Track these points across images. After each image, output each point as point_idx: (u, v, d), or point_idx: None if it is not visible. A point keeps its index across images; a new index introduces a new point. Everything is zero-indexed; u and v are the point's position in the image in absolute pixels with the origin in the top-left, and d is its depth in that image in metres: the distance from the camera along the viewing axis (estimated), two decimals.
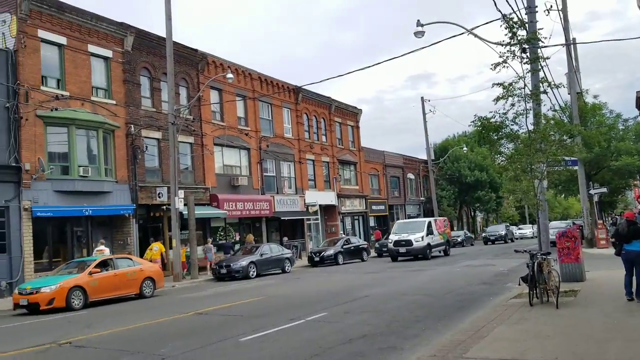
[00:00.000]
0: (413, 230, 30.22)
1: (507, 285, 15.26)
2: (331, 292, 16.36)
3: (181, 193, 23.97)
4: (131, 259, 18.74)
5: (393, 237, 30.68)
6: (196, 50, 29.28)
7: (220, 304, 14.83)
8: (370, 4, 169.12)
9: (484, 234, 53.16)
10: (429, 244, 29.94)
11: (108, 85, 24.20)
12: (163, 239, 25.96)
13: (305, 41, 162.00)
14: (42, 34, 21.36)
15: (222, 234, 30.45)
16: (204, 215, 27.07)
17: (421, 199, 58.62)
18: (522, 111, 12.79)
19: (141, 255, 23.63)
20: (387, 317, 11.12)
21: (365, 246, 33.78)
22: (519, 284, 11.92)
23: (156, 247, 23.46)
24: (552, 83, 13.78)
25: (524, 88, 12.78)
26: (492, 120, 12.86)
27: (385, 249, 38.41)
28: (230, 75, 25.55)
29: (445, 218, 37.68)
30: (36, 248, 20.43)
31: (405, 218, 55.48)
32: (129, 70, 25.00)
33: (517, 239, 54.75)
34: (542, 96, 13.48)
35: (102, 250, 19.22)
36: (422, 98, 51.72)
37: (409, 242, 29.51)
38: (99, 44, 23.75)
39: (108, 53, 24.15)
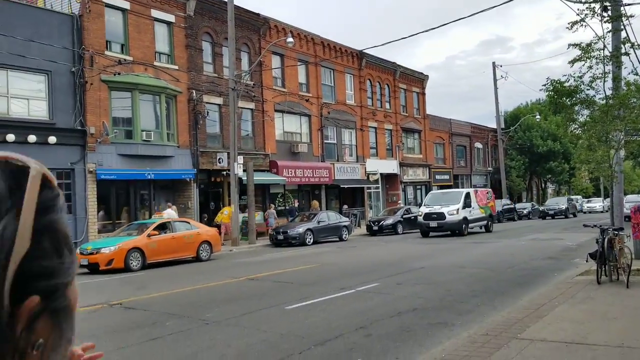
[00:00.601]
0: (448, 202, 26.37)
1: (575, 261, 14.32)
2: (386, 262, 15.96)
3: (240, 159, 24.04)
4: (189, 223, 19.01)
5: (424, 210, 26.96)
6: (258, 15, 28.97)
7: (273, 270, 14.76)
8: None
9: (541, 208, 47.12)
10: (465, 218, 26.20)
11: (171, 50, 24.38)
12: (223, 204, 26.29)
13: (372, 6, 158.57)
14: None
15: (281, 200, 30.53)
16: (263, 181, 27.14)
17: (489, 169, 56.66)
18: (599, 74, 11.71)
19: (207, 220, 24.10)
20: (441, 291, 10.62)
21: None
22: (587, 261, 11.07)
23: (226, 211, 23.85)
24: (636, 44, 12.51)
25: (603, 49, 11.67)
26: (566, 84, 11.84)
27: None
28: (290, 39, 25.11)
29: (490, 190, 32.87)
30: (100, 210, 21.11)
31: (471, 187, 54.09)
32: (191, 35, 25.06)
33: (585, 212, 51.57)
34: (624, 59, 12.29)
35: (161, 214, 19.59)
36: (493, 63, 49.69)
37: (441, 216, 25.72)
38: (162, 9, 23.87)
39: (171, 18, 24.26)
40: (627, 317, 7.38)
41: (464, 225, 26.05)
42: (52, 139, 19.31)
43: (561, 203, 45.95)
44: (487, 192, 30.61)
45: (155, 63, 23.47)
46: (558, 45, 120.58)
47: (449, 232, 26.03)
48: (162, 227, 17.74)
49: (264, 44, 29.01)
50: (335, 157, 34.78)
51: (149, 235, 16.79)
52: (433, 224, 26.00)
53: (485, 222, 28.71)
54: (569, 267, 13.29)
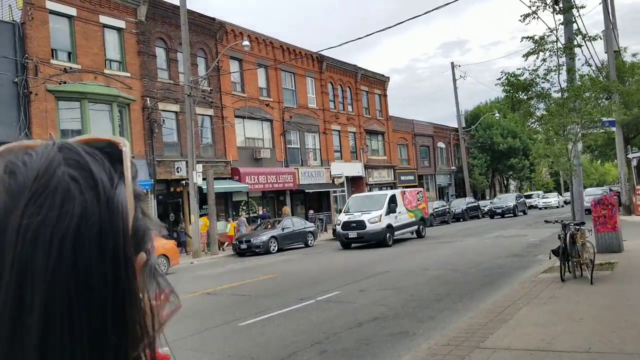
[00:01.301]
0: (370, 208, 22.70)
1: (538, 258, 14.17)
2: (351, 267, 15.54)
3: (199, 167, 23.35)
4: None
5: (342, 218, 23.21)
6: (214, 19, 28.34)
7: (233, 282, 14.17)
8: None
9: (488, 206, 43.76)
10: (389, 226, 22.47)
11: (122, 57, 23.55)
12: (183, 214, 25.52)
13: (335, 12, 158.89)
14: (50, 5, 20.73)
15: (244, 208, 29.88)
16: (224, 189, 26.47)
17: (452, 168, 57.05)
18: (554, 67, 11.54)
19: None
20: (405, 296, 10.24)
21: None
22: (550, 257, 10.85)
23: (201, 221, 23.11)
24: (587, 36, 12.42)
25: (556, 42, 11.51)
26: (521, 77, 11.64)
27: None
28: (246, 43, 24.56)
29: (421, 189, 29.17)
30: None
31: (436, 188, 54.34)
32: (144, 41, 24.28)
33: (540, 208, 50.73)
34: (577, 51, 12.17)
35: None
36: (452, 64, 50.01)
37: (360, 224, 22.05)
38: (111, 15, 23.04)
39: (121, 24, 23.44)
40: (593, 318, 7.09)
41: (387, 235, 22.19)
42: None
43: (509, 200, 42.78)
44: (418, 193, 27.01)
45: (106, 71, 22.61)
46: (514, 46, 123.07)
47: (373, 243, 22.27)
48: None
49: (221, 48, 28.36)
50: (299, 161, 34.31)
51: None
52: (352, 234, 22.20)
53: (415, 227, 25.15)
54: (533, 265, 13.11)
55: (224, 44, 28.19)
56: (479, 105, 69.64)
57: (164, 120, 24.61)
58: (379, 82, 45.48)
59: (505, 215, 40.82)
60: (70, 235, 0.52)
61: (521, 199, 44.47)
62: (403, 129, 48.68)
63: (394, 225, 22.95)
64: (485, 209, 43.32)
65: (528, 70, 11.79)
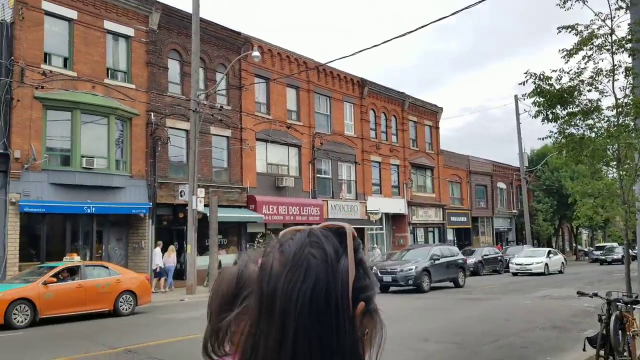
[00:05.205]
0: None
1: (586, 333, 10.32)
2: None
3: (201, 192, 20.72)
4: (107, 268, 15.53)
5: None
6: (239, 33, 26.11)
7: (189, 334, 11.16)
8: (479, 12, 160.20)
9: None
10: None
11: (128, 67, 21.51)
12: (186, 243, 22.85)
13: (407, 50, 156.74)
14: (46, 5, 18.96)
15: (260, 240, 26.93)
16: (233, 218, 23.69)
17: (513, 211, 52.09)
18: (607, 70, 8.03)
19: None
20: None
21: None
22: (584, 349, 7.04)
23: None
24: None
25: (611, 34, 8.04)
26: (553, 80, 8.16)
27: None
28: (256, 53, 21.92)
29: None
30: (24, 248, 17.91)
31: (493, 233, 49.54)
32: (154, 52, 22.20)
33: (516, 274, 31.04)
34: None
35: (73, 255, 16.14)
36: (515, 96, 45.65)
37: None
38: (118, 21, 21.12)
39: (129, 31, 21.46)
40: None
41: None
42: None
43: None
44: None
45: (107, 80, 20.56)
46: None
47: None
48: (71, 273, 14.35)
49: (245, 65, 26.04)
50: (330, 193, 31.20)
51: (45, 283, 13.38)
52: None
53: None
54: (573, 346, 9.34)
55: (249, 61, 25.80)
56: (546, 144, 64.34)
57: (169, 138, 22.25)
58: (431, 112, 41.94)
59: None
60: (309, 292, 0.85)
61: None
62: (457, 165, 44.67)
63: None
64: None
65: (567, 72, 8.36)
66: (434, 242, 41.41)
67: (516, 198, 52.59)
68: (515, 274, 30.89)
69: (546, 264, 31.19)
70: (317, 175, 30.32)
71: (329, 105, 31.80)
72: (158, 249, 21.09)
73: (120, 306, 14.75)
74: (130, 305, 15.02)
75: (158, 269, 20.92)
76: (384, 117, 36.50)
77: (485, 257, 33.07)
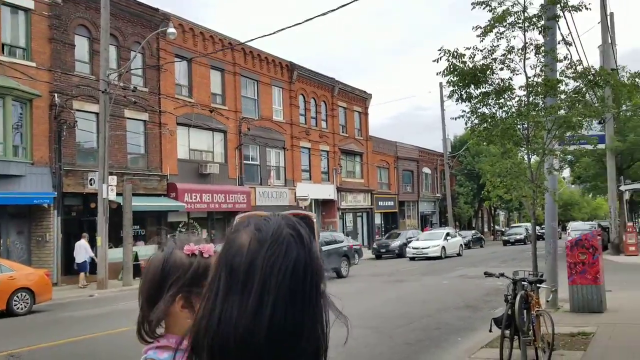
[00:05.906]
0: None
1: (497, 312, 10.08)
2: None
3: (113, 179, 19.10)
4: None
5: None
6: (157, 10, 24.32)
7: (89, 333, 9.98)
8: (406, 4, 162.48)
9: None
10: None
11: (27, 43, 19.42)
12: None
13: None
14: None
15: (183, 230, 25.51)
16: (150, 207, 22.19)
17: (437, 195, 52.96)
18: (519, 48, 7.58)
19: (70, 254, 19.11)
20: None
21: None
22: (490, 330, 6.77)
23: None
24: (568, 5, 8.34)
25: (523, 11, 7.57)
26: (467, 58, 7.61)
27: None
28: (172, 30, 20.42)
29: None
30: None
31: (418, 216, 50.09)
32: (58, 27, 20.15)
33: (414, 258, 29.77)
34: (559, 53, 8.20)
35: None
36: (440, 84, 46.06)
37: None
38: None
39: (29, 3, 19.33)
40: None
41: None
42: None
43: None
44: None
45: (3, 58, 18.47)
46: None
47: None
48: None
49: (164, 44, 24.35)
50: (258, 180, 30.11)
51: None
52: None
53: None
54: (482, 325, 9.06)
55: (168, 40, 24.08)
56: (468, 129, 65.82)
57: (76, 121, 20.38)
58: (360, 98, 41.52)
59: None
60: (290, 268, 0.90)
61: (409, 240, 33.02)
62: (385, 151, 44.64)
63: None
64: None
65: (480, 50, 7.86)
66: (362, 226, 41.40)
67: (440, 182, 53.49)
68: (412, 259, 29.35)
69: (443, 247, 30.20)
70: (245, 161, 29.12)
71: (256, 90, 30.56)
72: (84, 241, 19.33)
73: (15, 305, 13.22)
74: (27, 303, 13.50)
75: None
76: (313, 103, 35.66)
77: (409, 239, 33.17)
